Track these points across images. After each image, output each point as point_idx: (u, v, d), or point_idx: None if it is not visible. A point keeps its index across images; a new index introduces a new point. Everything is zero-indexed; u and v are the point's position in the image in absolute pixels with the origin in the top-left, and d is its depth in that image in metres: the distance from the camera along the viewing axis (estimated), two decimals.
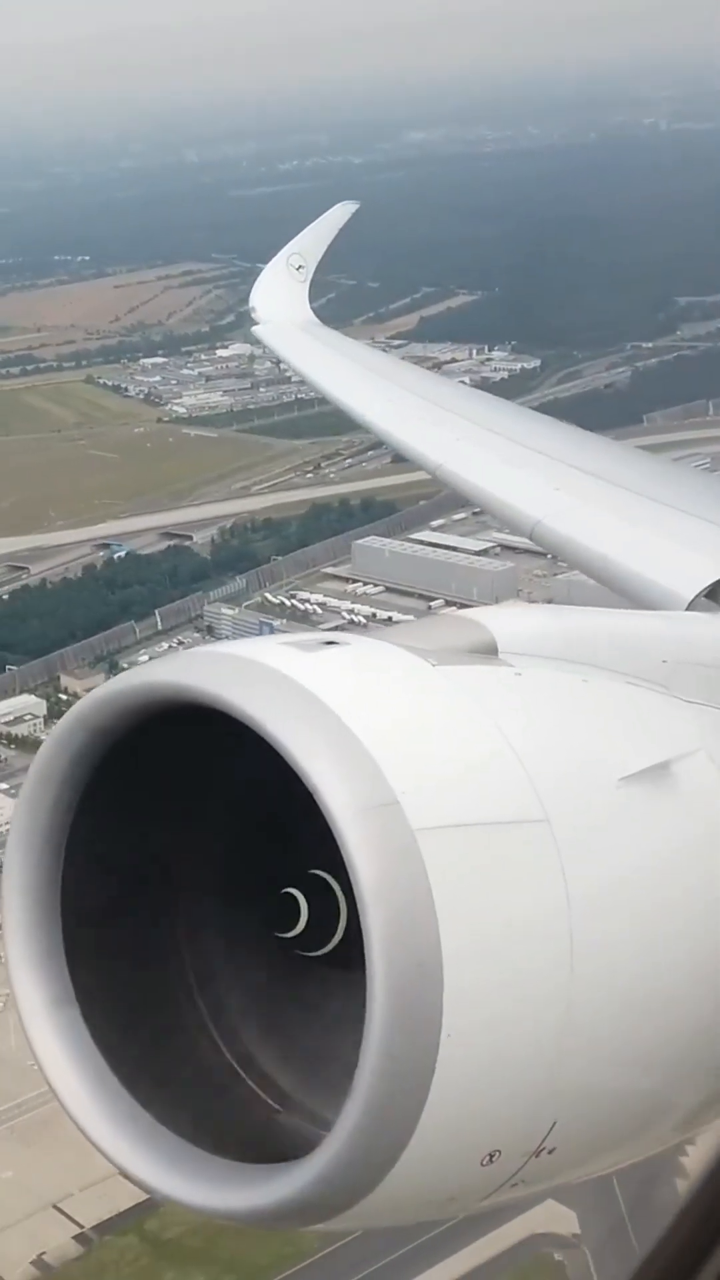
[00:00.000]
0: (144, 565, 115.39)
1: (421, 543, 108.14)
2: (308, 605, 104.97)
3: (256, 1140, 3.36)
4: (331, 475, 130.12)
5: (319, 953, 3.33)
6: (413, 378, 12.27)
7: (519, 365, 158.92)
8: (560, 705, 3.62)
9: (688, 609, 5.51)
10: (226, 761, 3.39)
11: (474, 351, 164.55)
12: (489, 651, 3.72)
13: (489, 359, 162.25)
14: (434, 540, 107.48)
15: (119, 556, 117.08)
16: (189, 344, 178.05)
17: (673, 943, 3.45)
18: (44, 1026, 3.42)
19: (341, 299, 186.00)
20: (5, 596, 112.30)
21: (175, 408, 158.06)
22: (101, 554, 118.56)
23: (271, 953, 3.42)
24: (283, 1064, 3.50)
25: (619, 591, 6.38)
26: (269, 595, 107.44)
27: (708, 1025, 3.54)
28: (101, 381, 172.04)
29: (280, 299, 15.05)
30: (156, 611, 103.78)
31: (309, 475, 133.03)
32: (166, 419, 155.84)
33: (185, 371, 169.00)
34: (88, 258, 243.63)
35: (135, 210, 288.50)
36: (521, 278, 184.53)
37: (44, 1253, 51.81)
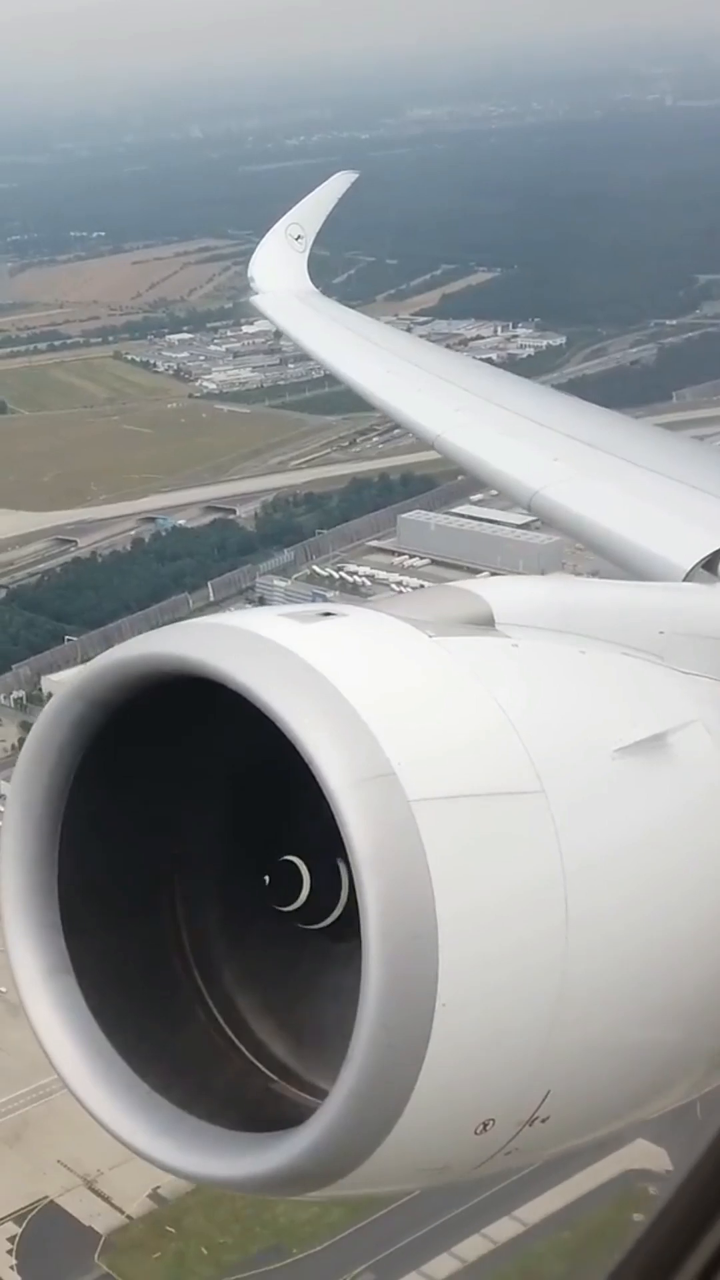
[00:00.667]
0: (191, 538, 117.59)
1: (466, 516, 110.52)
2: (356, 578, 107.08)
3: (252, 1109, 3.39)
4: (367, 451, 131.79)
5: (320, 925, 3.39)
6: (411, 348, 12.29)
7: (544, 342, 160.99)
8: (557, 676, 3.69)
9: (685, 580, 5.55)
10: (224, 733, 3.43)
11: (499, 328, 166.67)
12: (486, 622, 3.77)
13: (514, 336, 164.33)
14: (477, 514, 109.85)
15: (165, 530, 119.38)
16: (213, 320, 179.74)
17: (668, 913, 3.51)
18: (40, 996, 3.46)
19: (361, 275, 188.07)
20: (58, 569, 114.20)
21: (205, 383, 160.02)
22: (147, 528, 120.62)
23: (268, 923, 3.47)
24: (279, 1033, 3.56)
25: (617, 562, 6.46)
26: (317, 568, 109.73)
27: (703, 995, 3.61)
28: (130, 358, 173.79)
29: (279, 269, 15.01)
30: (209, 583, 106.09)
31: (345, 451, 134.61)
32: (198, 395, 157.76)
33: (213, 348, 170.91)
34: (104, 234, 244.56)
35: (146, 186, 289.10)
36: (540, 255, 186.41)
37: (159, 1186, 54.45)
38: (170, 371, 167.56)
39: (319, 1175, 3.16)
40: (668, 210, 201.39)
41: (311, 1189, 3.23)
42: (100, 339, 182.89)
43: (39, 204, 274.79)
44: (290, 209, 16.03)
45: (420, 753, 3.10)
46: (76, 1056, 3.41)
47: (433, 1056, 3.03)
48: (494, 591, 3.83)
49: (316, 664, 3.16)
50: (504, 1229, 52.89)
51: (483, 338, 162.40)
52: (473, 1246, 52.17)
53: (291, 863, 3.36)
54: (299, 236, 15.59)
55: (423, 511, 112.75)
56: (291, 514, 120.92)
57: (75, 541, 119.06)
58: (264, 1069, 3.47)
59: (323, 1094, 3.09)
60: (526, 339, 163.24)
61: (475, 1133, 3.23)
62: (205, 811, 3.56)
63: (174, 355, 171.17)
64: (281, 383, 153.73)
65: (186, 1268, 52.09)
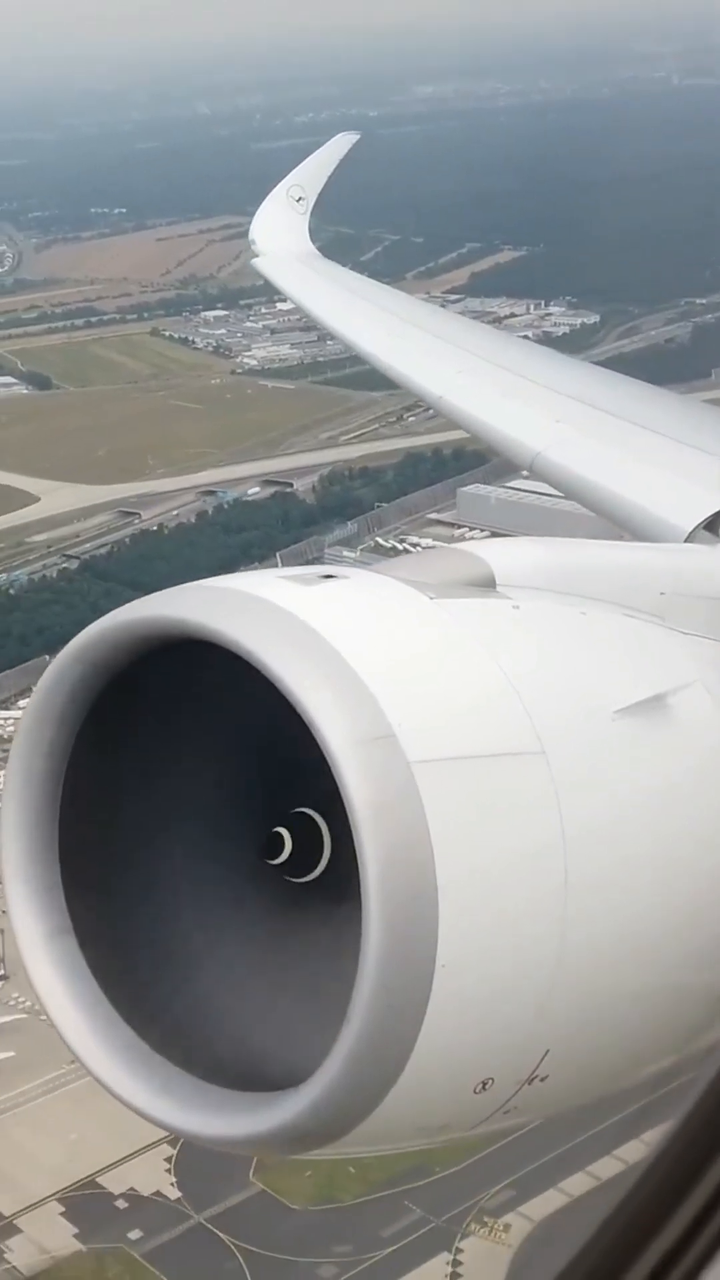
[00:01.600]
0: (254, 510, 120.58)
1: (524, 490, 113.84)
2: (420, 550, 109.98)
3: (252, 1069, 3.38)
4: (414, 426, 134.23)
5: (304, 879, 3.40)
6: (412, 310, 12.13)
7: (579, 320, 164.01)
8: (557, 638, 3.69)
9: (686, 541, 5.47)
10: (224, 694, 3.40)
11: (531, 306, 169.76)
12: (487, 584, 3.79)
13: (548, 314, 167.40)
14: (534, 488, 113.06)
15: (227, 503, 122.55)
16: (245, 297, 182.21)
17: (667, 873, 3.53)
18: (42, 958, 3.48)
19: (388, 253, 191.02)
20: (127, 540, 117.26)
21: (246, 360, 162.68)
22: (208, 501, 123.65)
23: (267, 884, 3.48)
24: (279, 994, 3.54)
25: (618, 523, 6.37)
26: (380, 539, 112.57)
27: (700, 955, 3.62)
28: (167, 334, 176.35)
29: (280, 231, 15.00)
30: (278, 554, 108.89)
31: (393, 426, 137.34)
32: (239, 371, 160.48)
33: (249, 324, 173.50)
34: (124, 210, 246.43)
35: (158, 163, 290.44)
36: (563, 233, 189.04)
37: None
38: (209, 348, 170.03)
39: (319, 1134, 3.15)
40: (685, 190, 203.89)
41: (312, 1148, 3.24)
42: (135, 315, 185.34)
43: (54, 180, 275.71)
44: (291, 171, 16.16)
45: (421, 714, 3.10)
46: (78, 1018, 3.43)
47: (432, 1016, 3.02)
48: (495, 553, 3.89)
49: (317, 626, 3.16)
50: (633, 1150, 56.23)
51: (516, 315, 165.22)
52: (606, 1166, 55.61)
53: (278, 832, 3.38)
54: (300, 199, 15.59)
55: (482, 485, 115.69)
56: (349, 487, 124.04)
57: (139, 514, 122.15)
58: (264, 1028, 3.50)
59: (322, 1054, 3.07)
60: (560, 317, 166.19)
61: (474, 1092, 3.24)
62: (204, 771, 3.59)
63: (211, 332, 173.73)
64: (321, 359, 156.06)
65: (336, 1185, 55.33)
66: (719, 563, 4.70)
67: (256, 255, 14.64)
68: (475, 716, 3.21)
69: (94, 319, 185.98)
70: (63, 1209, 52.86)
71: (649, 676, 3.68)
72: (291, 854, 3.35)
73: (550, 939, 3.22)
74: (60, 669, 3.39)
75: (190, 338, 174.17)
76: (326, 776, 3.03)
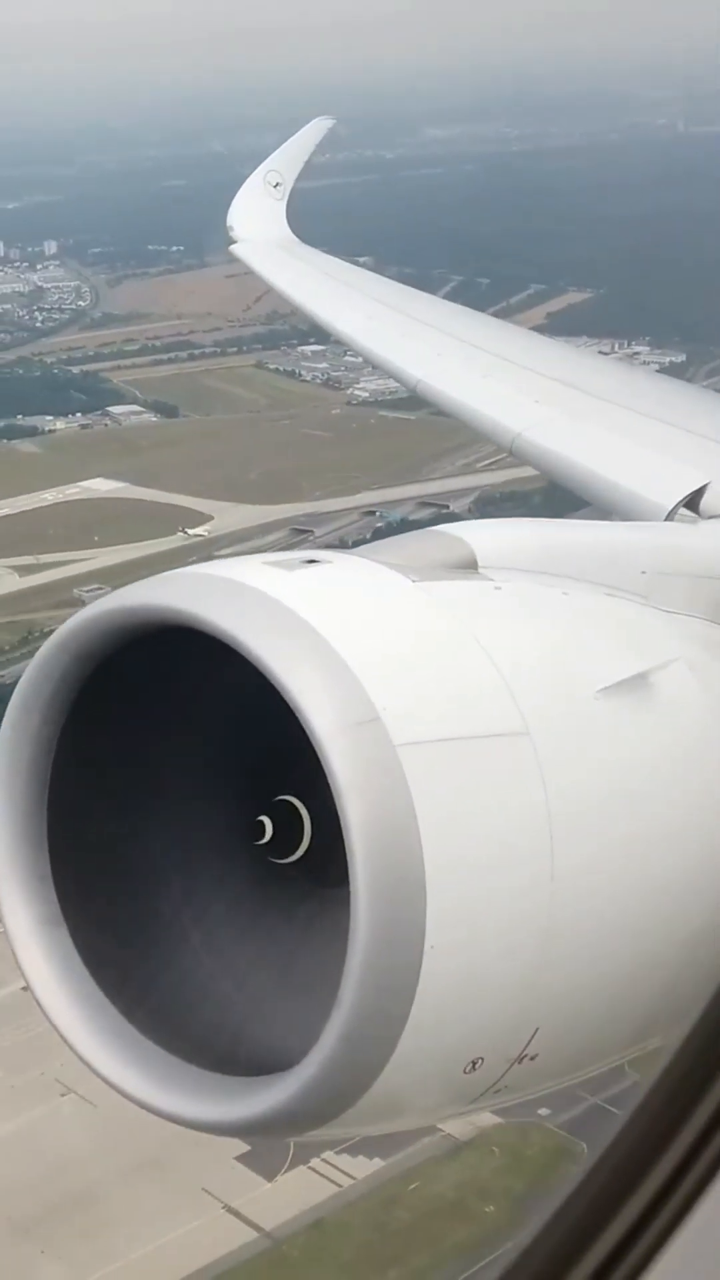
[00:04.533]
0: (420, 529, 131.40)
1: None
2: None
3: (243, 1054, 3.41)
4: None
5: (287, 860, 3.45)
6: (392, 294, 12.09)
7: (666, 359, 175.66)
8: (540, 618, 3.77)
9: (667, 519, 5.49)
10: (210, 681, 3.47)
11: (615, 346, 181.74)
12: (469, 566, 3.86)
13: (635, 353, 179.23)
14: None
15: (393, 521, 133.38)
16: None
17: (653, 849, 3.60)
18: (33, 947, 3.50)
19: (456, 294, 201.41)
20: None
21: (357, 392, 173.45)
22: (370, 520, 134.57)
23: (256, 870, 3.55)
24: (269, 978, 3.63)
25: (599, 503, 6.48)
26: None
27: (687, 930, 3.68)
28: (271, 367, 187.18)
29: (258, 217, 14.96)
30: None
31: None
32: (353, 402, 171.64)
33: (348, 358, 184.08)
34: (182, 248, 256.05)
35: (194, 200, 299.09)
36: (627, 276, 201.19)
37: None
38: (316, 381, 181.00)
39: (312, 1117, 3.22)
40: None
41: (305, 1130, 3.33)
42: (235, 349, 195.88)
43: (97, 216, 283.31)
44: (269, 157, 16.46)
45: (405, 697, 3.17)
46: (69, 1006, 3.51)
47: (422, 998, 3.07)
48: (477, 535, 4.04)
49: (301, 611, 3.22)
50: None
51: (604, 354, 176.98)
52: None
53: (260, 821, 3.47)
54: (277, 184, 15.55)
55: None
56: (502, 508, 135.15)
57: (312, 531, 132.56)
58: (255, 1012, 3.62)
59: (314, 1037, 3.13)
60: (648, 356, 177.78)
61: (465, 1071, 3.31)
62: (190, 758, 3.72)
63: (314, 366, 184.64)
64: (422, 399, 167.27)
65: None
66: (699, 540, 4.82)
67: (234, 242, 14.47)
68: (459, 698, 3.28)
69: (196, 351, 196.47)
70: None
71: (631, 655, 3.75)
72: (275, 837, 3.50)
73: (538, 918, 3.27)
74: (46, 659, 3.43)
75: (296, 370, 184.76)
76: (309, 761, 3.07)
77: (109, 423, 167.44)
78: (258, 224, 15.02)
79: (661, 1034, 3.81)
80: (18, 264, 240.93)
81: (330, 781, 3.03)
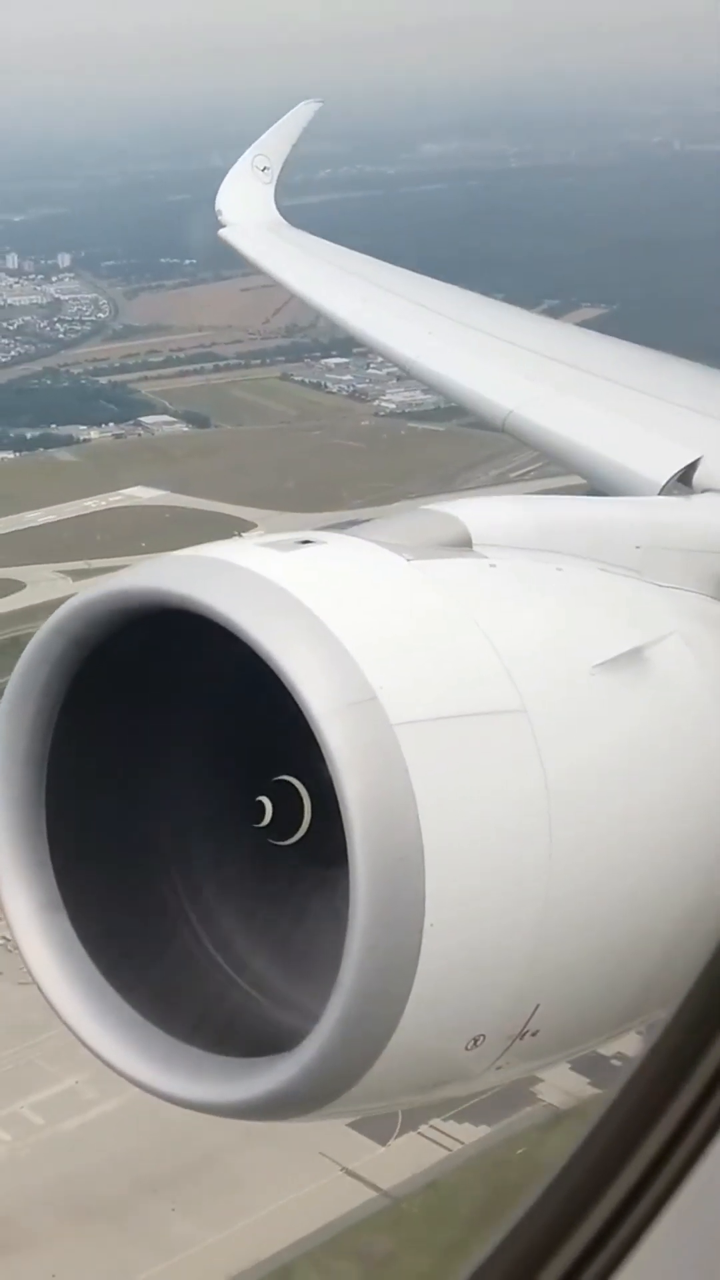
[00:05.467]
0: None
1: None
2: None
3: (244, 1035, 3.46)
4: None
5: (287, 842, 3.45)
6: (384, 275, 12.23)
7: None
8: (535, 595, 3.78)
9: (660, 494, 5.46)
10: (206, 663, 3.51)
11: None
12: (463, 544, 3.88)
13: None
14: None
15: None
16: (357, 346, 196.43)
17: (650, 824, 3.62)
18: (33, 932, 3.52)
19: None
20: None
21: (384, 404, 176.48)
22: None
23: (254, 852, 3.56)
24: (269, 960, 3.67)
25: (592, 479, 6.47)
26: None
27: (686, 903, 3.68)
28: (297, 379, 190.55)
29: (247, 201, 14.93)
30: None
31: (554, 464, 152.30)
32: (381, 414, 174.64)
33: (372, 371, 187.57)
34: (195, 261, 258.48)
35: (200, 213, 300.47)
36: (640, 293, 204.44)
37: None
38: (343, 393, 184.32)
39: (313, 1098, 3.24)
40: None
41: (308, 1110, 3.33)
42: (259, 361, 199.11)
43: (106, 229, 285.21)
44: (256, 140, 16.31)
45: (402, 676, 3.19)
46: (70, 991, 3.53)
47: (422, 976, 3.09)
48: (470, 513, 4.05)
49: (296, 592, 3.23)
50: None
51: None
52: None
53: (271, 784, 3.47)
54: (265, 168, 15.51)
55: None
56: None
57: None
58: (255, 995, 3.67)
59: (315, 1017, 3.16)
60: None
61: (466, 1049, 3.32)
62: (188, 741, 3.76)
63: (338, 378, 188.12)
64: (452, 405, 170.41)
65: None
66: (693, 515, 4.85)
67: (223, 226, 14.37)
68: (455, 676, 3.30)
69: (221, 363, 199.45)
70: (570, 1065, 65.17)
71: (626, 630, 3.76)
72: (275, 819, 3.51)
73: (537, 894, 3.29)
74: (41, 644, 3.47)
75: (321, 382, 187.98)
76: (307, 742, 3.09)
77: (141, 432, 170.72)
78: (246, 208, 14.99)
79: (660, 1007, 3.74)
80: (32, 276, 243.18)
81: (328, 761, 3.05)
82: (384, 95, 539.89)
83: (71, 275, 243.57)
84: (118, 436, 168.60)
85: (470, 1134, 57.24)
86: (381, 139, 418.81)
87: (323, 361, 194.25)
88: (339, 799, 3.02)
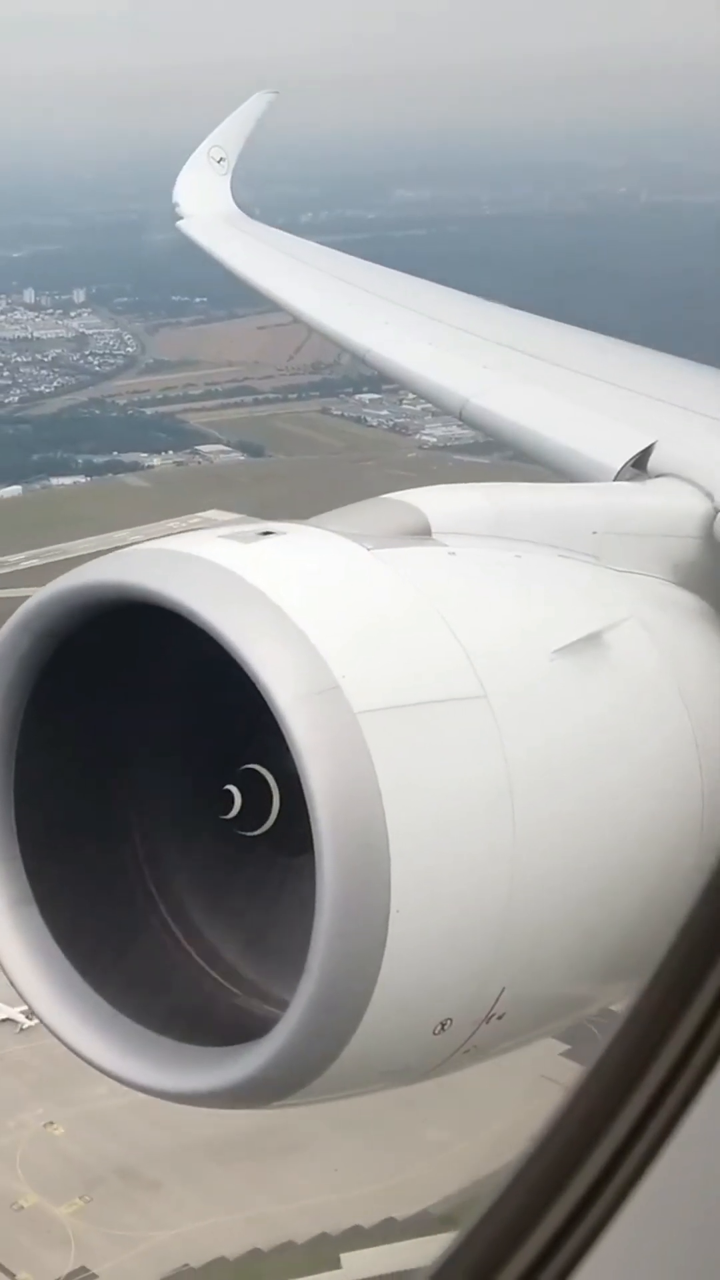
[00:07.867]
0: None
1: None
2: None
3: (215, 1024, 3.50)
4: None
5: (255, 832, 3.49)
6: (341, 266, 12.40)
7: None
8: (494, 582, 3.84)
9: (615, 480, 5.52)
10: (170, 655, 3.53)
11: None
12: (423, 533, 3.98)
13: None
14: None
15: None
16: (386, 382, 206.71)
17: (611, 805, 3.68)
18: (4, 927, 3.54)
19: None
20: None
21: (425, 437, 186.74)
22: None
23: (223, 842, 3.58)
24: (238, 949, 3.74)
25: (549, 465, 6.45)
26: None
27: (648, 883, 3.73)
28: (337, 413, 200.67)
29: (204, 193, 15.27)
30: None
31: None
32: (425, 447, 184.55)
33: (406, 406, 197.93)
34: (205, 299, 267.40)
35: (192, 252, 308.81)
36: (644, 340, 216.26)
37: None
38: (384, 426, 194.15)
39: (283, 1085, 3.30)
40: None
41: (279, 1097, 3.39)
42: (295, 395, 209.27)
43: (111, 267, 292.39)
44: (211, 132, 16.44)
45: (363, 665, 3.23)
46: (42, 984, 3.58)
47: (389, 962, 3.13)
48: (430, 501, 4.21)
49: (257, 583, 3.27)
50: None
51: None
52: None
53: (235, 774, 3.48)
54: (221, 159, 15.89)
55: None
56: None
57: None
58: (225, 984, 3.75)
59: (283, 1005, 3.21)
60: None
61: (434, 1033, 3.38)
62: (155, 732, 3.80)
63: (376, 412, 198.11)
64: (490, 439, 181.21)
65: None
66: (648, 499, 4.89)
67: (180, 218, 14.52)
68: (416, 664, 3.35)
69: (260, 397, 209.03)
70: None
71: (584, 615, 3.82)
72: (242, 809, 3.54)
73: (501, 878, 3.34)
74: (6, 641, 3.47)
75: (360, 416, 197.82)
76: (273, 732, 3.12)
77: (200, 460, 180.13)
78: (203, 200, 15.09)
79: (627, 988, 3.82)
80: (51, 311, 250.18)
81: (292, 750, 3.11)
82: (357, 140, 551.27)
83: (89, 310, 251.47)
84: (179, 464, 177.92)
85: None
86: (355, 183, 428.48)
87: (356, 396, 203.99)
88: (304, 787, 3.10)
